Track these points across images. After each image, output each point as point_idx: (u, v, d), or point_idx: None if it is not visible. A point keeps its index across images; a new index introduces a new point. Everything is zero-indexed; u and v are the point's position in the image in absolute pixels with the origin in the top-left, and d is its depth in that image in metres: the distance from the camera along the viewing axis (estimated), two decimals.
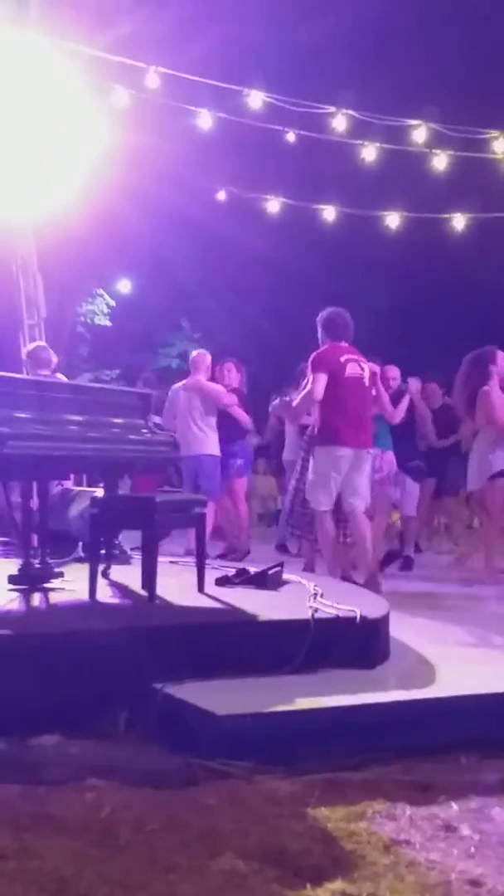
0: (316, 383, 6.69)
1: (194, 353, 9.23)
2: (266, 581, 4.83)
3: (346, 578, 6.56)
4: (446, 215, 11.18)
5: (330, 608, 4.11)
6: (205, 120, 9.58)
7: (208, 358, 8.93)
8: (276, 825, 2.66)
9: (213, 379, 8.85)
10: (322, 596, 4.36)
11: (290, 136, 9.94)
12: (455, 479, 10.67)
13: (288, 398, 7.77)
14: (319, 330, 6.98)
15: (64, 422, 4.46)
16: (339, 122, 9.63)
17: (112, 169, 10.21)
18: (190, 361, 9.04)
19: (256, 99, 9.41)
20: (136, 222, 14.27)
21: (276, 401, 8.49)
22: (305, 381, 6.97)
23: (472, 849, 2.61)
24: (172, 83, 9.17)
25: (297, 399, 7.16)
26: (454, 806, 2.89)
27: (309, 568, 7.28)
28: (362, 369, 6.83)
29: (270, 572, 4.92)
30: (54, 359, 7.87)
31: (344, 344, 6.89)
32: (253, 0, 12.93)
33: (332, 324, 6.93)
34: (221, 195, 11.66)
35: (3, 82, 8.76)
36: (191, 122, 9.67)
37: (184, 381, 8.83)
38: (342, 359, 6.78)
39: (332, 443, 6.70)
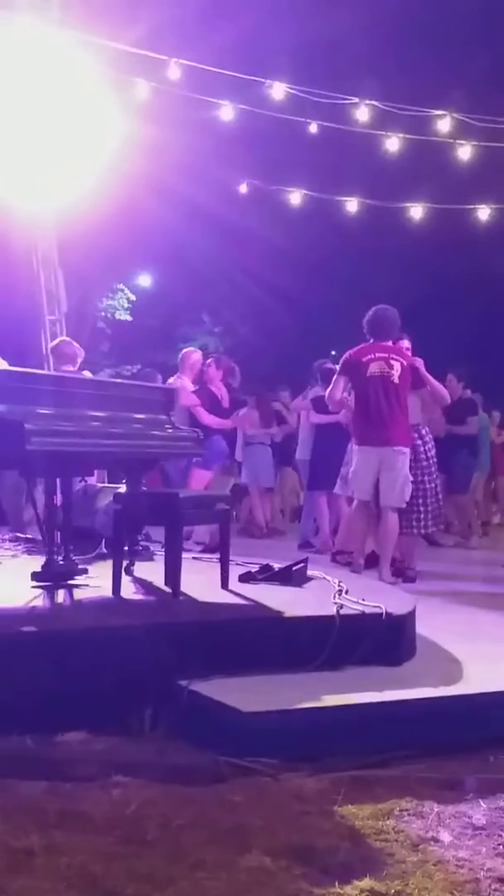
0: (333, 385, 7.02)
1: (183, 351, 9.19)
2: (290, 577, 4.82)
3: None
4: (472, 206, 11.11)
5: (355, 604, 4.09)
6: (226, 112, 9.55)
7: (194, 356, 8.93)
8: (303, 822, 2.65)
9: (200, 377, 8.83)
10: (347, 592, 4.35)
11: (313, 128, 9.90)
12: (464, 476, 10.62)
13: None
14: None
15: (87, 418, 4.46)
16: (362, 113, 9.58)
17: (132, 162, 10.21)
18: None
19: (278, 90, 9.37)
20: (156, 216, 14.27)
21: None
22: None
23: (501, 847, 2.59)
24: (193, 75, 9.15)
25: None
26: (482, 804, 2.87)
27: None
28: (390, 367, 6.80)
29: (294, 568, 4.91)
30: (80, 354, 7.85)
31: (376, 342, 6.92)
32: None
33: (367, 323, 7.01)
34: (243, 188, 11.63)
35: (24, 76, 8.77)
36: (212, 115, 9.64)
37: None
38: (365, 358, 6.84)
39: (357, 443, 6.93)
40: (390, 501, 6.75)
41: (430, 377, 7.25)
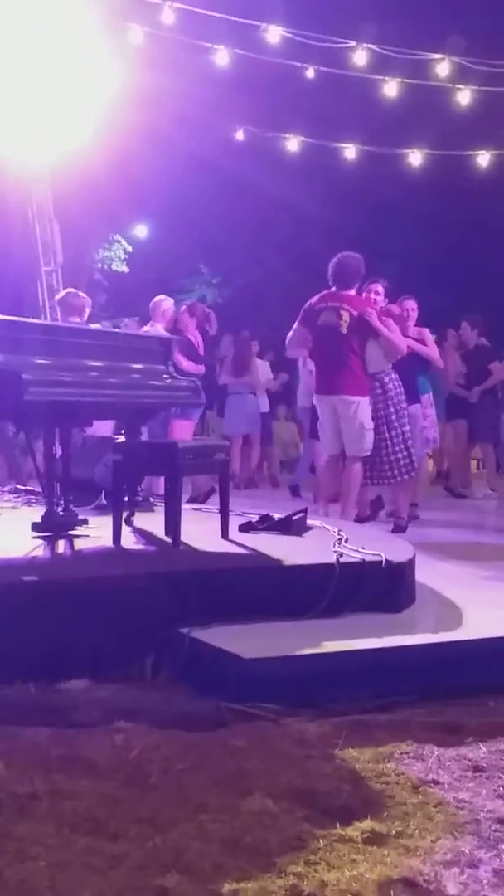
0: (292, 332, 7.17)
1: (155, 299, 9.00)
2: (290, 526, 4.83)
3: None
4: (471, 152, 10.97)
5: (355, 553, 4.09)
6: (221, 57, 9.39)
7: (165, 303, 8.80)
8: (304, 766, 2.67)
9: (174, 325, 8.72)
10: (347, 541, 4.35)
11: (310, 73, 9.73)
12: (490, 425, 10.60)
13: None
14: None
15: (84, 368, 4.43)
16: (360, 57, 9.42)
17: (128, 112, 10.06)
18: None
19: (274, 34, 9.20)
20: (152, 165, 14.11)
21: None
22: None
23: (501, 788, 2.61)
24: (188, 19, 8.97)
25: None
26: (482, 747, 2.89)
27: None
28: (339, 317, 6.78)
29: (294, 518, 4.91)
30: (88, 305, 7.78)
31: (335, 291, 6.91)
32: None
33: (329, 271, 6.98)
34: (239, 135, 11.48)
35: (16, 24, 8.60)
36: (207, 60, 9.47)
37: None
38: (318, 307, 6.90)
39: (314, 391, 7.17)
40: (349, 450, 6.82)
41: (382, 327, 6.97)
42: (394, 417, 7.05)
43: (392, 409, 7.04)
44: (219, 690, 3.12)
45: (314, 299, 6.99)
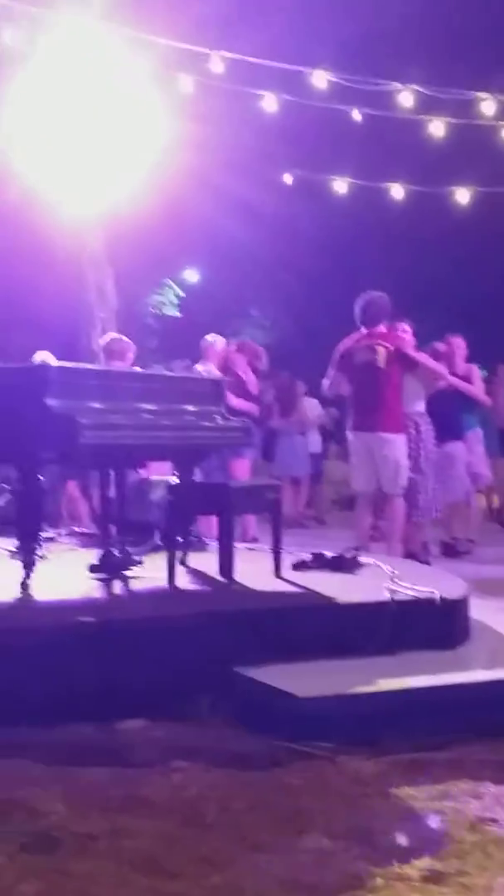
0: (327, 378, 7.18)
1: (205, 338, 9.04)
2: (343, 564, 4.83)
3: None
4: None
5: (409, 590, 4.09)
6: (268, 102, 9.54)
7: (216, 343, 8.82)
8: (361, 804, 2.67)
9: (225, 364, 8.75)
10: (400, 578, 4.35)
11: (356, 115, 9.85)
12: None
13: None
14: None
15: (137, 410, 4.51)
16: (406, 99, 9.50)
17: (176, 157, 10.25)
18: None
19: (320, 79, 9.34)
20: (201, 210, 14.30)
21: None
22: None
23: None
24: (235, 67, 9.15)
25: None
26: None
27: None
28: (374, 352, 6.81)
29: (347, 556, 4.92)
30: (131, 350, 7.89)
31: (363, 331, 6.95)
32: None
33: (356, 312, 7.01)
34: (287, 178, 11.61)
35: (68, 75, 8.86)
36: (254, 105, 9.63)
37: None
38: (352, 347, 6.93)
39: (349, 428, 7.13)
40: (386, 488, 6.81)
41: (421, 356, 7.12)
42: (422, 462, 7.13)
43: (422, 454, 7.12)
44: (274, 729, 3.14)
45: (347, 342, 7.02)
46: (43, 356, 6.88)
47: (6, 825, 2.51)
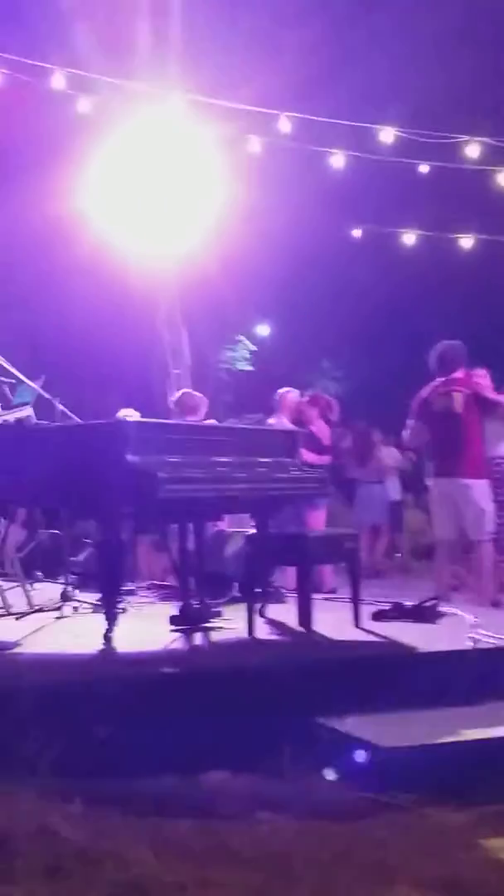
0: (408, 429, 7.15)
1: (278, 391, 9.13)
2: (423, 614, 4.80)
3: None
4: None
5: (490, 638, 4.04)
6: (336, 160, 9.71)
7: (289, 396, 8.89)
8: (449, 856, 2.63)
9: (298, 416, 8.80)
10: (482, 626, 4.30)
11: (424, 168, 9.96)
12: None
13: None
14: None
15: (213, 464, 4.57)
16: (472, 150, 9.58)
17: (245, 216, 10.46)
18: None
19: (388, 134, 9.49)
20: (271, 266, 14.50)
21: None
22: None
23: None
24: (301, 126, 9.35)
25: None
26: None
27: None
28: (451, 398, 6.78)
29: (427, 605, 4.89)
30: (203, 404, 8.00)
31: (440, 378, 6.93)
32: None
33: (431, 361, 7.02)
34: (356, 233, 11.74)
35: (143, 139, 9.16)
36: (320, 163, 9.81)
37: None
38: (430, 395, 6.91)
39: (431, 475, 7.06)
40: (471, 534, 6.71)
41: (498, 397, 7.06)
42: None
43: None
44: (358, 780, 3.12)
45: (424, 392, 7.00)
46: (127, 413, 7.01)
47: (97, 874, 2.53)
